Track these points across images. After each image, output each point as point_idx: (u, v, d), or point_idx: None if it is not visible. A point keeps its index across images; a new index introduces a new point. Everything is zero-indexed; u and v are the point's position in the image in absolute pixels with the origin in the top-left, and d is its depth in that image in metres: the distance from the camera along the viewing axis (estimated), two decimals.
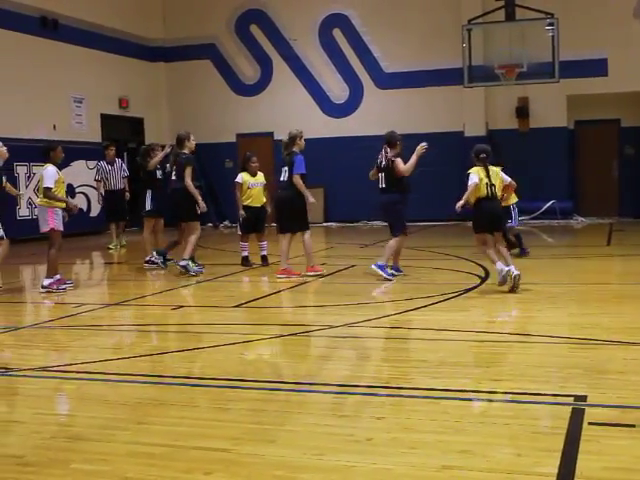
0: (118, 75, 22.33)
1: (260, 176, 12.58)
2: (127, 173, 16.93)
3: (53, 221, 10.46)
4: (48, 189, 10.38)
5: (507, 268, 9.27)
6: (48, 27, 19.68)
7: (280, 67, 23.45)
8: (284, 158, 11.37)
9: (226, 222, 22.62)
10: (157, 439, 4.49)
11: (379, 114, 21.95)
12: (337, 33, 22.93)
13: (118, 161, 16.81)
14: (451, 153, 21.46)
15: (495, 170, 9.74)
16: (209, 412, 5.05)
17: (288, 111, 22.88)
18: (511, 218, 12.30)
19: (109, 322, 8.82)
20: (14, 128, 17.82)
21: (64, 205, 10.59)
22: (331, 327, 7.69)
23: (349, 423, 4.70)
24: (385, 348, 7.05)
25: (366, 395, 5.38)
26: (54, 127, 19.45)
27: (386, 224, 11.39)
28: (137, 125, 23.51)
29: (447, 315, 8.17)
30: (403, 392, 5.36)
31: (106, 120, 21.99)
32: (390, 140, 10.91)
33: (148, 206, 13.04)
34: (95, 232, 19.40)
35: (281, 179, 11.33)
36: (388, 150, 10.83)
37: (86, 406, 5.37)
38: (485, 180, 9.51)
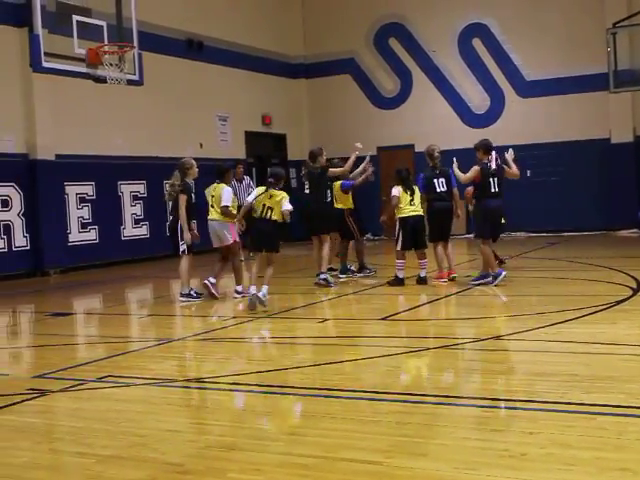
0: (261, 93, 22.84)
1: None
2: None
3: (235, 234, 11.26)
4: (226, 207, 11.05)
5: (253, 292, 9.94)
6: (194, 49, 20.37)
7: (420, 79, 23.40)
8: (437, 170, 12.03)
9: (368, 235, 22.69)
10: (309, 450, 4.54)
11: (521, 123, 21.61)
12: (477, 42, 22.69)
13: (247, 179, 17.33)
14: (596, 161, 20.90)
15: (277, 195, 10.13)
16: (358, 424, 5.08)
17: (429, 123, 22.80)
18: None
19: (258, 334, 9.02)
20: (165, 147, 18.54)
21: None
22: (479, 340, 7.61)
23: (500, 437, 4.63)
24: (534, 361, 6.89)
25: (516, 409, 5.28)
26: (200, 145, 20.07)
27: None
28: (280, 141, 23.97)
29: (598, 328, 7.94)
30: (555, 407, 5.24)
31: (250, 137, 22.53)
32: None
33: None
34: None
35: (438, 190, 11.93)
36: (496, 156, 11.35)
37: (238, 416, 5.52)
38: (264, 202, 10.11)
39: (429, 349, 7.47)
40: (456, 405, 5.53)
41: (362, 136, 23.38)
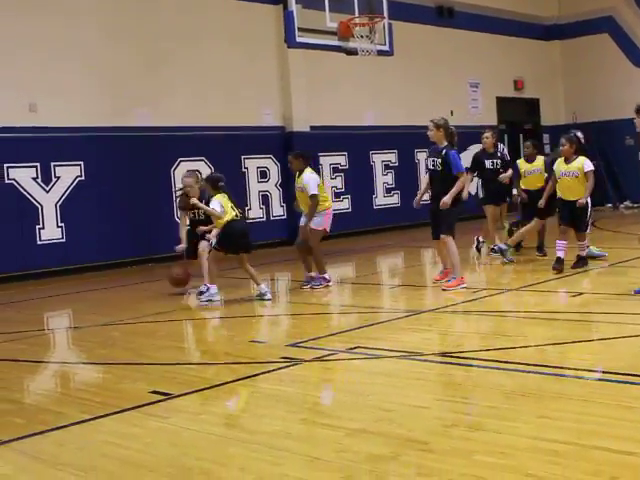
0: (512, 57, 22.27)
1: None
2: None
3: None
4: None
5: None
6: (444, 16, 20.19)
7: None
8: None
9: (627, 202, 21.62)
10: (559, 435, 4.36)
11: None
12: None
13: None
14: None
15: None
16: (613, 409, 4.81)
17: None
18: None
19: (507, 308, 8.84)
20: (415, 116, 18.54)
21: None
22: None
23: None
24: None
25: None
26: (451, 113, 19.89)
27: None
28: (532, 106, 23.29)
29: None
30: None
31: (501, 103, 22.07)
32: None
33: None
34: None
35: None
36: None
37: (484, 395, 5.38)
38: (230, 204, 9.89)
39: None
40: None
41: (621, 98, 22.29)
